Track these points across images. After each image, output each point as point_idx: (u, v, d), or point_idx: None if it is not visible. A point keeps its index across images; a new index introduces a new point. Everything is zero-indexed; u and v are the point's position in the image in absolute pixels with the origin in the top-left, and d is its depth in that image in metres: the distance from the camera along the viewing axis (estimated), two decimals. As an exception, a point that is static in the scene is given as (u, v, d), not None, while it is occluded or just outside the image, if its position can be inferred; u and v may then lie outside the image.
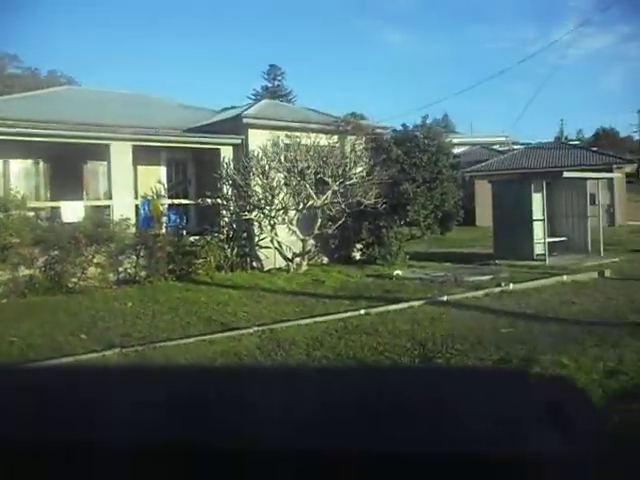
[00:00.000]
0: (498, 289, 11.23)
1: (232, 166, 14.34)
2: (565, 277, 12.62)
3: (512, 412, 0.51)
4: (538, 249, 16.37)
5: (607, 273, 13.55)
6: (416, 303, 9.99)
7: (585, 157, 32.39)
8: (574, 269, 14.19)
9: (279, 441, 0.50)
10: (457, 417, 0.51)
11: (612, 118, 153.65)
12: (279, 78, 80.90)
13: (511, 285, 11.51)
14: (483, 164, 32.05)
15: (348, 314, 9.23)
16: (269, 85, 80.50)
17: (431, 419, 0.51)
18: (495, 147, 55.36)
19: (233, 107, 23.22)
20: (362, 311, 9.33)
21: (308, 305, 10.33)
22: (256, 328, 8.36)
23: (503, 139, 74.85)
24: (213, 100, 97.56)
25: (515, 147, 43.55)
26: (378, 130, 16.24)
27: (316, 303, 10.48)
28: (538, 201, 16.36)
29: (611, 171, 30.83)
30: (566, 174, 16.93)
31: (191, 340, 7.92)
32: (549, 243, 17.65)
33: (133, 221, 13.49)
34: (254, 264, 14.57)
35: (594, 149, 36.44)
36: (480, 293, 10.95)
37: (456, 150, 52.53)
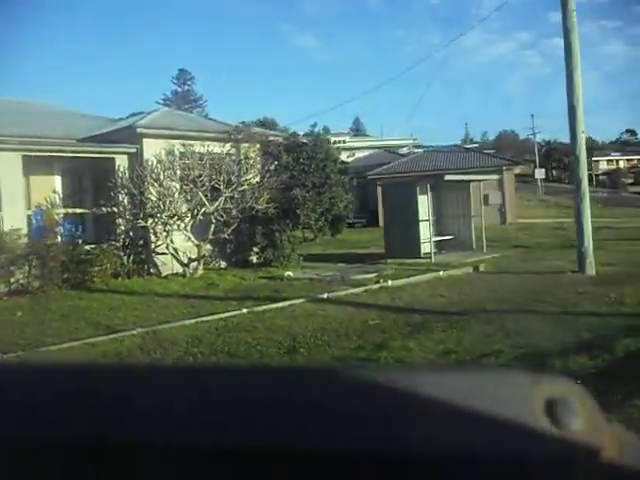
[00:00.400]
0: (377, 286, 12.13)
1: (127, 175, 14.62)
2: (442, 273, 13.71)
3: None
4: (426, 248, 17.51)
5: (482, 268, 14.79)
6: (298, 301, 10.70)
7: (479, 159, 34.35)
8: (454, 265, 15.34)
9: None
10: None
11: (513, 121, 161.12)
12: (189, 83, 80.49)
13: (390, 282, 12.44)
14: (384, 167, 33.42)
15: (232, 313, 9.82)
16: (179, 90, 79.93)
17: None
18: (403, 150, 57.51)
19: (141, 113, 23.37)
20: (245, 310, 9.94)
21: (197, 307, 10.84)
22: (140, 330, 8.82)
23: (411, 142, 77.62)
24: (123, 106, 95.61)
25: (415, 150, 45.43)
26: (271, 138, 16.94)
27: (205, 305, 11.01)
28: (424, 202, 17.49)
29: (502, 172, 32.91)
30: (447, 177, 18.19)
31: (75, 344, 8.28)
32: (438, 241, 18.93)
33: (25, 231, 13.53)
34: (151, 270, 14.90)
35: (486, 152, 38.68)
36: (360, 290, 11.80)
37: (362, 153, 54.07)
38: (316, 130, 17.28)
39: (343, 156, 61.23)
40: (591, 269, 13.64)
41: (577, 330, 7.63)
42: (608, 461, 0.49)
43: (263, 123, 72.41)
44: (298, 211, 14.58)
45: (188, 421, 0.51)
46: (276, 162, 15.37)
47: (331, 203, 15.30)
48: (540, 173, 65.39)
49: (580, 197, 14.07)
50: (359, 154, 55.42)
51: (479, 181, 20.09)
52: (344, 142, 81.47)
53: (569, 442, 0.48)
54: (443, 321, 8.84)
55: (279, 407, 0.51)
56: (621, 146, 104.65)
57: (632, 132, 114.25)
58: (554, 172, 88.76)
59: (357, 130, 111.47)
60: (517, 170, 34.99)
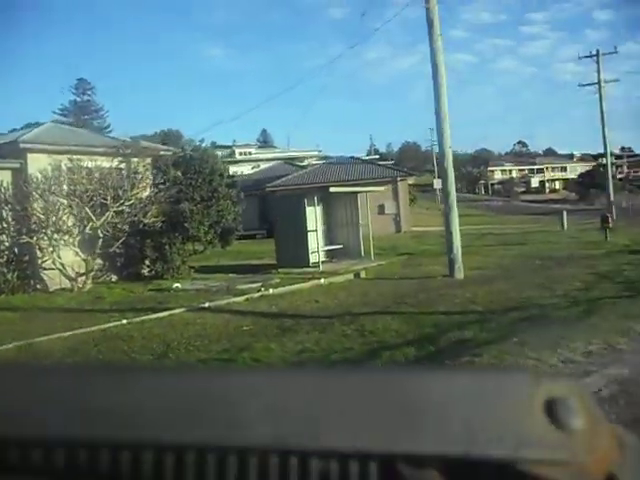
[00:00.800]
0: (258, 294, 12.77)
1: (10, 191, 14.57)
2: (323, 280, 14.53)
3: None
4: (316, 257, 18.33)
5: (363, 275, 15.75)
6: (178, 311, 11.17)
7: (374, 171, 35.82)
8: (339, 273, 16.22)
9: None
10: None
11: (416, 133, 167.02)
12: (89, 93, 78.51)
13: (271, 290, 13.11)
14: (283, 179, 34.23)
15: (112, 324, 10.17)
16: (78, 100, 77.84)
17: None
18: (308, 161, 58.59)
19: (37, 123, 23.12)
20: (124, 321, 10.31)
21: (79, 319, 11.07)
22: (16, 343, 9.02)
23: (316, 153, 79.02)
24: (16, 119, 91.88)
25: (315, 162, 46.61)
26: (162, 152, 17.28)
27: (88, 317, 11.26)
28: (313, 214, 18.33)
29: (396, 183, 34.50)
30: (333, 189, 19.13)
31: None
32: (329, 250, 19.86)
33: None
34: (38, 286, 14.88)
35: (382, 163, 40.34)
36: (242, 299, 12.40)
37: (265, 165, 54.69)
38: (203, 145, 17.75)
39: (247, 168, 61.75)
40: (460, 273, 14.85)
41: (422, 326, 8.57)
42: (608, 462, 0.49)
43: (167, 135, 71.84)
44: (186, 224, 15.02)
45: (188, 421, 0.51)
46: (165, 176, 15.74)
47: (219, 216, 15.84)
48: (438, 183, 67.97)
49: (449, 207, 15.31)
50: (264, 165, 56.07)
51: (366, 192, 21.18)
52: (250, 154, 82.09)
53: (569, 442, 0.48)
54: (310, 324, 9.58)
55: (278, 407, 0.51)
56: (514, 157, 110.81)
57: (524, 144, 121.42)
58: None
59: (264, 141, 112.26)
60: (411, 181, 36.75)
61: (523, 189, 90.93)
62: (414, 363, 6.43)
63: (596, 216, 35.13)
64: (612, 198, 35.57)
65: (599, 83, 35.73)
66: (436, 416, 0.50)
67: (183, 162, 16.02)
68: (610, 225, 22.72)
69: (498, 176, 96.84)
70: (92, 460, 0.52)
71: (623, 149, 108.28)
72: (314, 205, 18.29)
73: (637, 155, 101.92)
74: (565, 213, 29.95)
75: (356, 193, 20.63)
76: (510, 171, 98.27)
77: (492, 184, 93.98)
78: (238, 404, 0.52)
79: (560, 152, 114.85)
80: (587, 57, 36.26)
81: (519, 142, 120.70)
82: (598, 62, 35.83)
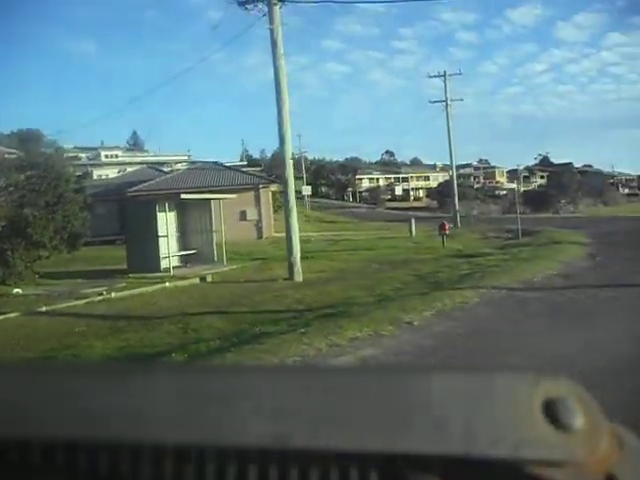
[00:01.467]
0: (100, 298, 13.14)
1: None
2: (168, 284, 15.09)
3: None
4: (167, 262, 18.77)
5: (209, 279, 16.47)
6: (14, 315, 11.35)
7: (238, 178, 36.61)
8: (188, 277, 16.82)
9: None
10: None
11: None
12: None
13: (113, 294, 13.51)
14: (144, 184, 34.10)
15: (-61, 330, 10.20)
16: None
17: None
18: (178, 166, 58.16)
19: None
20: (-47, 325, 10.38)
21: None
22: None
23: (185, 158, 78.44)
24: None
25: (178, 168, 46.69)
26: (6, 155, 17.02)
27: None
28: (164, 219, 18.78)
29: (258, 190, 35.47)
30: (184, 196, 19.71)
31: None
32: (183, 255, 20.39)
33: None
34: None
35: (244, 170, 41.25)
36: (82, 302, 12.72)
37: (130, 169, 53.73)
38: (58, 147, 17.68)
39: (113, 171, 60.06)
40: (299, 276, 15.97)
41: (240, 323, 9.46)
42: (608, 461, 0.49)
43: (25, 135, 68.20)
44: (29, 230, 14.99)
45: (187, 420, 0.51)
46: (8, 180, 15.59)
47: (65, 221, 15.91)
48: (307, 190, 70.39)
49: (289, 214, 16.40)
50: (130, 169, 55.00)
51: (219, 199, 21.89)
52: (116, 156, 79.89)
53: (568, 442, 0.48)
54: (141, 325, 10.18)
55: (278, 407, 0.51)
56: (382, 166, 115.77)
57: (391, 153, 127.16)
58: (323, 189, 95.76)
59: (134, 144, 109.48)
60: (274, 187, 37.88)
61: (389, 197, 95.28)
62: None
63: (447, 223, 38.48)
64: (457, 207, 38.69)
65: (446, 101, 38.81)
66: (436, 416, 0.49)
67: (27, 166, 15.93)
68: (447, 232, 24.95)
69: (366, 184, 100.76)
70: (92, 460, 0.52)
71: (480, 161, 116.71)
72: (165, 211, 18.75)
73: (493, 167, 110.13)
74: (414, 221, 32.25)
75: (209, 200, 21.29)
76: (377, 179, 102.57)
77: (360, 192, 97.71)
78: (238, 404, 0.52)
79: (425, 162, 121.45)
80: (435, 77, 39.30)
81: (387, 152, 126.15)
82: (445, 82, 38.91)
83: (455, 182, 40.45)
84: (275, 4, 16.85)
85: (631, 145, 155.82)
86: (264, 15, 17.05)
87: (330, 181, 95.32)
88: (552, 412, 0.49)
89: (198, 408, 0.52)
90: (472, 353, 6.11)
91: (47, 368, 0.68)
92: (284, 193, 16.77)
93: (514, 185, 50.20)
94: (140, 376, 0.58)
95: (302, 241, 31.09)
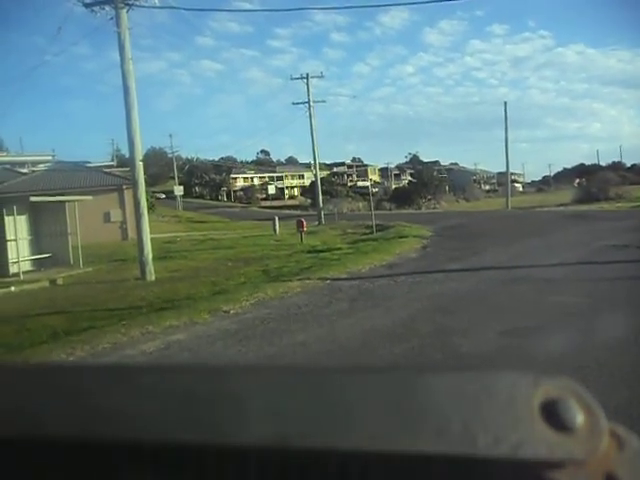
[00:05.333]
0: None
1: None
2: (14, 288, 15.03)
3: None
4: (20, 266, 18.45)
5: (60, 281, 16.51)
6: None
7: (99, 179, 36.03)
8: (39, 280, 16.72)
9: None
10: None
11: (164, 138, 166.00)
12: None
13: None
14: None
15: None
16: None
17: None
18: (41, 167, 55.60)
19: None
20: None
21: None
22: None
23: (49, 158, 74.98)
24: None
25: (36, 169, 45.03)
26: None
27: None
28: (12, 223, 18.45)
29: (122, 191, 35.10)
30: (33, 199, 19.48)
31: None
32: (36, 260, 20.08)
33: None
34: None
35: (107, 171, 40.59)
36: None
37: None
38: None
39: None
40: (151, 275, 16.40)
41: (75, 321, 9.90)
42: (608, 461, 0.49)
43: None
44: None
45: (187, 420, 0.51)
46: None
47: None
48: (179, 190, 69.84)
49: (140, 215, 16.79)
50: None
51: (74, 201, 21.71)
52: (-30, 157, 74.77)
53: (568, 442, 0.48)
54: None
55: (278, 407, 0.51)
56: (257, 165, 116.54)
57: (266, 152, 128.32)
58: (197, 188, 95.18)
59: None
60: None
61: (264, 196, 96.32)
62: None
63: (316, 220, 40.04)
64: (321, 205, 40.42)
65: (309, 103, 40.34)
66: (436, 416, 0.49)
67: None
68: (305, 229, 26.20)
69: (241, 183, 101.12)
70: (91, 460, 0.52)
71: (354, 159, 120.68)
72: (14, 214, 18.44)
73: (366, 165, 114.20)
74: (277, 219, 33.37)
75: (64, 202, 21.09)
76: (252, 178, 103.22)
77: (235, 191, 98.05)
78: (238, 403, 0.51)
79: (301, 161, 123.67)
80: (297, 79, 40.71)
81: (262, 151, 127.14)
82: (307, 84, 40.42)
83: (319, 180, 42.20)
84: (122, 8, 17.15)
85: (492, 145, 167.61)
86: (111, 18, 17.32)
87: (204, 181, 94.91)
88: (552, 412, 0.49)
89: (198, 408, 0.52)
90: (267, 334, 7.08)
91: (47, 367, 0.68)
92: (134, 195, 17.12)
93: (368, 183, 53.19)
94: (140, 376, 0.58)
95: (167, 242, 31.54)
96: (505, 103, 54.63)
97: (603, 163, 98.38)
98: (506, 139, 52.62)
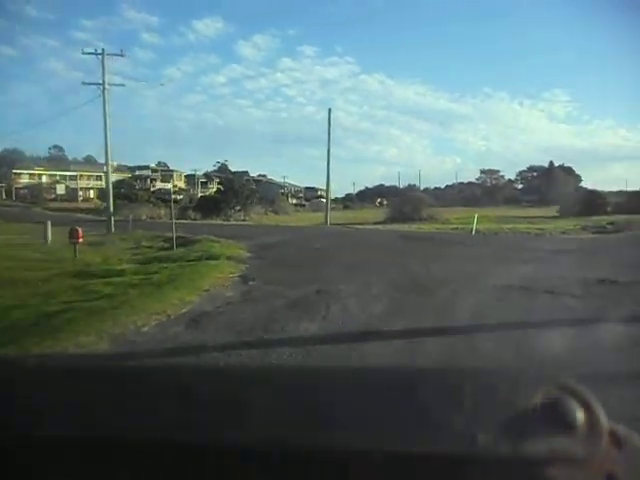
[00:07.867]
0: None
1: None
2: None
3: None
4: None
5: None
6: None
7: None
8: None
9: None
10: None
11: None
12: None
13: None
14: None
15: None
16: None
17: None
18: None
19: None
20: None
21: None
22: None
23: None
24: None
25: None
26: None
27: None
28: None
29: None
30: None
31: None
32: None
33: None
34: None
35: None
36: None
37: None
38: None
39: None
40: None
41: None
42: (608, 461, 0.48)
43: None
44: None
45: (188, 420, 0.50)
46: None
47: None
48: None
49: None
50: None
51: None
52: None
53: (569, 442, 0.47)
54: None
55: (277, 407, 0.50)
56: (49, 161, 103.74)
57: (60, 148, 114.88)
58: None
59: None
60: None
61: (54, 196, 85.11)
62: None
63: (113, 227, 32.89)
64: (112, 210, 33.50)
65: (103, 84, 33.32)
66: (436, 416, 0.49)
67: None
68: (80, 240, 19.61)
69: (26, 180, 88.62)
70: (93, 458, 0.50)
71: (159, 163, 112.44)
72: None
73: (171, 170, 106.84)
74: (50, 224, 25.96)
75: None
76: (40, 176, 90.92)
77: (18, 188, 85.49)
78: (238, 403, 0.51)
79: (101, 161, 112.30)
80: (91, 54, 33.52)
81: (55, 146, 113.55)
82: (103, 63, 33.37)
83: (110, 184, 35.09)
84: None
85: (299, 160, 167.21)
86: None
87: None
88: (552, 412, 0.49)
89: (198, 408, 0.51)
90: None
91: (47, 367, 0.68)
92: None
93: (170, 186, 47.04)
94: (140, 376, 0.59)
95: None
96: (329, 120, 49.15)
97: (401, 185, 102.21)
98: (328, 158, 48.94)
